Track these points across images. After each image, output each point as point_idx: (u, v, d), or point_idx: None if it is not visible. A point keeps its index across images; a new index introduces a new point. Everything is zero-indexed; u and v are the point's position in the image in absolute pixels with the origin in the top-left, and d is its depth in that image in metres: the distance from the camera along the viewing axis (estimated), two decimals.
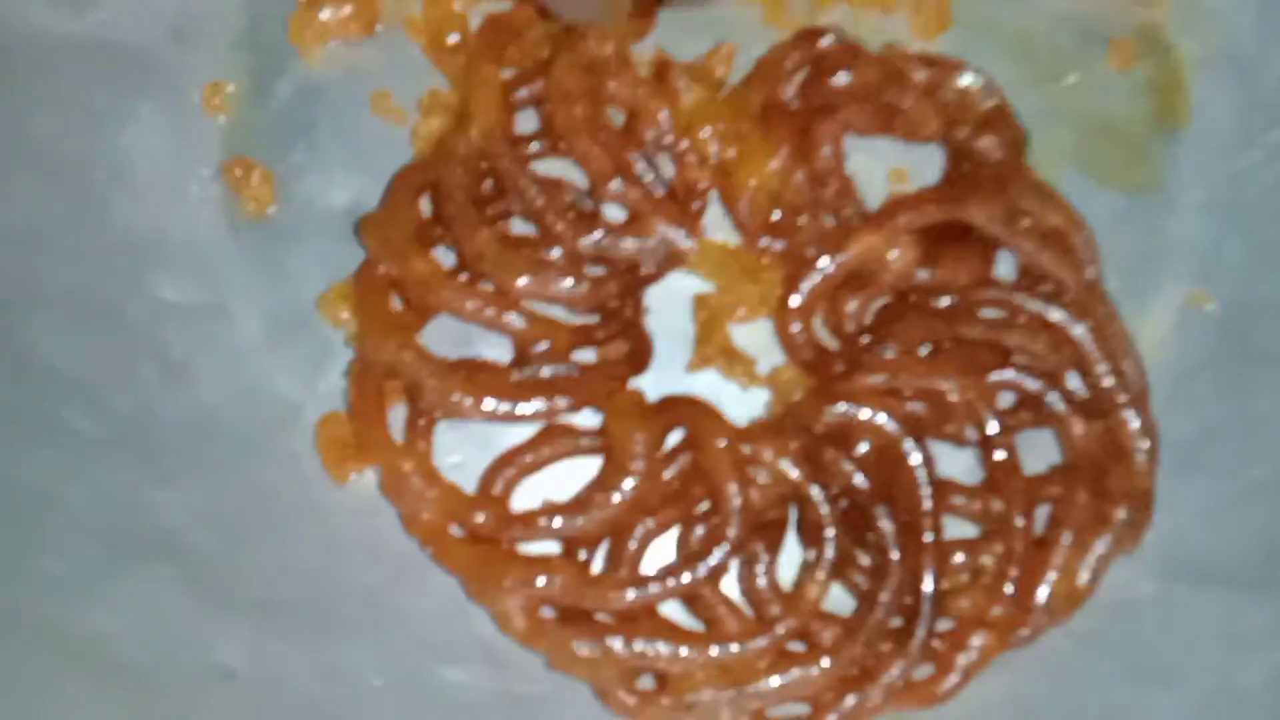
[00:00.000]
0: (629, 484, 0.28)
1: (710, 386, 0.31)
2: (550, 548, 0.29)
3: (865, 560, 0.29)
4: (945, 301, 0.30)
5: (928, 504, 0.29)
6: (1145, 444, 0.29)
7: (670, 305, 0.31)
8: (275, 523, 0.28)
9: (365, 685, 0.27)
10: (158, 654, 0.26)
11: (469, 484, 0.29)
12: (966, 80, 0.31)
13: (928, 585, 0.28)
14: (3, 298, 0.28)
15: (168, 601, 0.26)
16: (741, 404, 0.30)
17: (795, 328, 0.30)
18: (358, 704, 0.27)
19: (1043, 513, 0.30)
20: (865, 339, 0.30)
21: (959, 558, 0.29)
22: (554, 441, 0.29)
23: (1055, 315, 0.30)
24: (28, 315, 0.28)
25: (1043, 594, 0.29)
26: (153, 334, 0.30)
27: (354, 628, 0.28)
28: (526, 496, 0.29)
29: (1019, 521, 0.29)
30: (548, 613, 0.28)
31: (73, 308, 0.29)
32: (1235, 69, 0.33)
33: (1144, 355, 0.32)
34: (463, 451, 0.30)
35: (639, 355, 0.30)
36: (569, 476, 0.29)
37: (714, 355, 0.30)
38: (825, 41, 0.31)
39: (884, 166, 0.32)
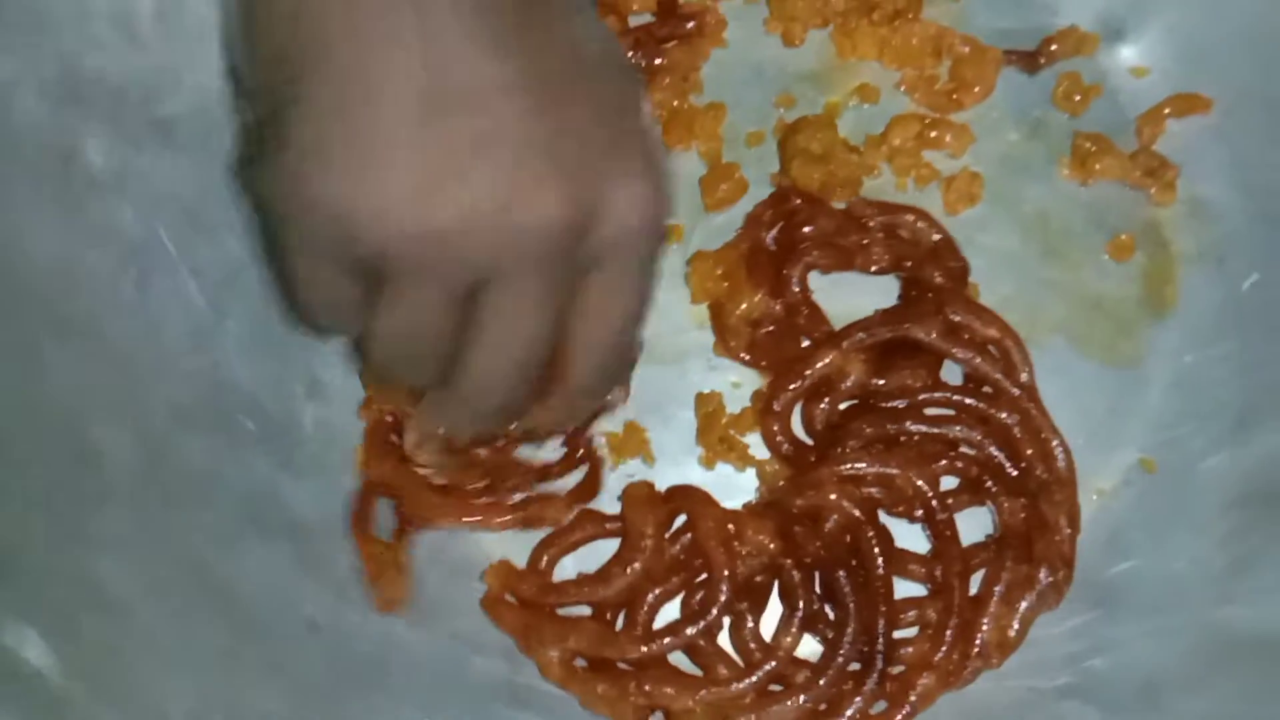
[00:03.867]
0: (640, 559, 0.36)
1: (717, 477, 0.38)
2: (583, 610, 0.36)
3: (831, 615, 0.36)
4: (900, 403, 0.37)
5: (880, 569, 0.36)
6: (1066, 518, 0.36)
7: (678, 404, 0.39)
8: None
9: (410, 652, 0.36)
10: (267, 602, 0.34)
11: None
12: (909, 220, 0.38)
13: (880, 634, 0.35)
14: (209, 328, 0.37)
15: (282, 567, 0.35)
16: (740, 492, 0.38)
17: (775, 428, 0.37)
18: (402, 665, 0.35)
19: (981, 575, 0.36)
20: (833, 435, 0.36)
21: (910, 614, 0.36)
22: (585, 526, 0.37)
23: (991, 411, 0.36)
24: (225, 342, 0.37)
25: (979, 642, 0.35)
26: (308, 361, 0.38)
27: (411, 611, 0.36)
28: (562, 569, 0.37)
29: (957, 583, 0.35)
30: (580, 663, 0.36)
31: (255, 338, 0.38)
32: (1221, 270, 0.39)
33: (1091, 504, 0.38)
34: None
35: (590, 485, 0.37)
36: (598, 552, 0.37)
37: (714, 443, 0.38)
38: (795, 200, 0.38)
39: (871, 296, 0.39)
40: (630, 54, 0.41)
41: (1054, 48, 0.41)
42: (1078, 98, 0.41)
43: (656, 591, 0.36)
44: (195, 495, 0.35)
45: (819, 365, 0.37)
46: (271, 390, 0.38)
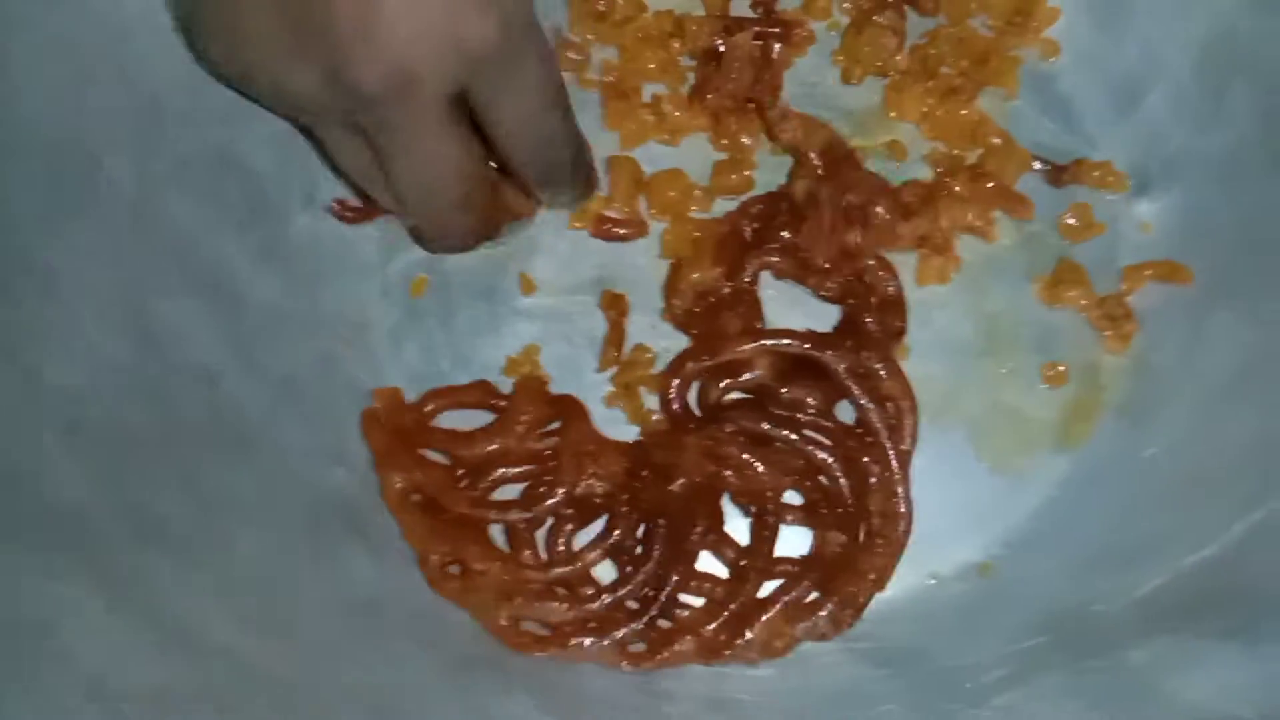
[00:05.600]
0: (505, 438, 0.40)
1: (608, 416, 0.41)
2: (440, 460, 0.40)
3: (637, 552, 0.39)
4: (787, 414, 0.39)
5: (695, 538, 0.39)
6: (877, 573, 0.38)
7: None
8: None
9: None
10: None
11: None
12: (872, 265, 0.41)
13: (668, 588, 0.39)
14: (240, 109, 0.41)
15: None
16: (621, 437, 0.41)
17: (673, 386, 0.41)
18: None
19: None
20: (716, 413, 0.39)
21: (704, 586, 0.39)
22: (475, 392, 0.41)
23: (861, 457, 0.39)
24: (252, 127, 0.42)
25: (746, 635, 0.38)
26: (316, 178, 0.43)
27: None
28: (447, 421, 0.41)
29: (751, 576, 0.39)
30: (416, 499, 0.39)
31: (282, 133, 0.42)
32: (1134, 430, 0.41)
33: (926, 585, 0.40)
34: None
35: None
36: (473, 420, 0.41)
37: (622, 386, 0.41)
38: (783, 207, 0.41)
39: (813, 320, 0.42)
40: (714, 39, 0.44)
41: (1093, 173, 0.42)
42: (1081, 228, 0.42)
43: (507, 471, 0.40)
44: (174, 250, 0.39)
45: (735, 350, 0.40)
46: (279, 185, 0.42)
